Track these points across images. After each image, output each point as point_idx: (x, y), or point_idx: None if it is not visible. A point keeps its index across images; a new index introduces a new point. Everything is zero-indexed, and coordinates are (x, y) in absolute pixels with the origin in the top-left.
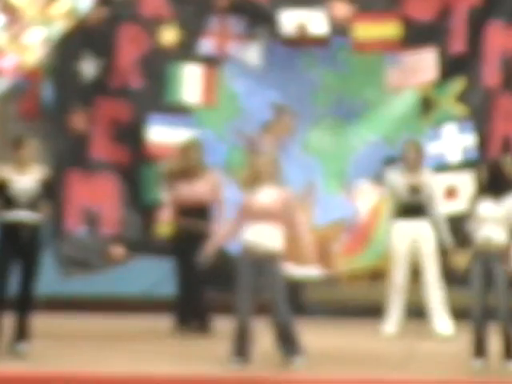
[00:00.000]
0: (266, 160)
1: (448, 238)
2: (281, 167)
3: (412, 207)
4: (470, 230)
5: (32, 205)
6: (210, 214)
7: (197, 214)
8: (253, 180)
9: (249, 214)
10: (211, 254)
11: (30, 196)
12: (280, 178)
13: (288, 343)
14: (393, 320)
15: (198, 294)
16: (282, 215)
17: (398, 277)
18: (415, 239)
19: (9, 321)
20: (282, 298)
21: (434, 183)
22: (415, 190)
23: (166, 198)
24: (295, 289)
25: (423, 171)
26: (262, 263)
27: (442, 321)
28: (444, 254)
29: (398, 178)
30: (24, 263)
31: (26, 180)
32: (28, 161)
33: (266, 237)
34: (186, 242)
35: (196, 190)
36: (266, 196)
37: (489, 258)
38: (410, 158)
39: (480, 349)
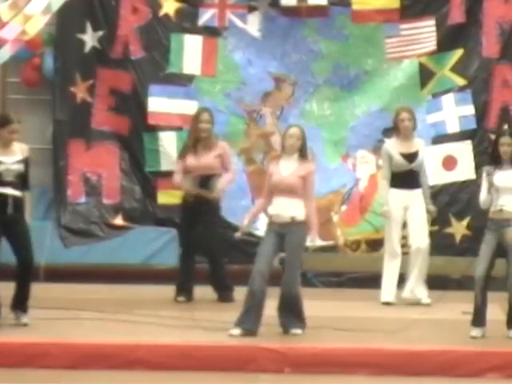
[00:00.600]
0: (292, 132)
1: (430, 206)
2: (278, 135)
3: (406, 176)
4: (484, 199)
5: (16, 183)
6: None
7: (205, 183)
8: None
9: (272, 187)
10: (248, 224)
11: (14, 175)
12: (306, 150)
13: (291, 313)
14: (391, 289)
15: (220, 264)
16: (303, 188)
17: (393, 244)
18: (407, 207)
19: (2, 289)
20: (296, 265)
21: (425, 151)
22: (409, 158)
23: (177, 167)
24: None
25: (415, 139)
26: (285, 231)
27: (422, 289)
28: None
29: (392, 147)
30: (13, 235)
31: (10, 160)
32: (12, 140)
33: (288, 208)
34: (195, 211)
35: (203, 161)
36: (288, 169)
37: (501, 227)
38: (403, 126)
39: (480, 317)
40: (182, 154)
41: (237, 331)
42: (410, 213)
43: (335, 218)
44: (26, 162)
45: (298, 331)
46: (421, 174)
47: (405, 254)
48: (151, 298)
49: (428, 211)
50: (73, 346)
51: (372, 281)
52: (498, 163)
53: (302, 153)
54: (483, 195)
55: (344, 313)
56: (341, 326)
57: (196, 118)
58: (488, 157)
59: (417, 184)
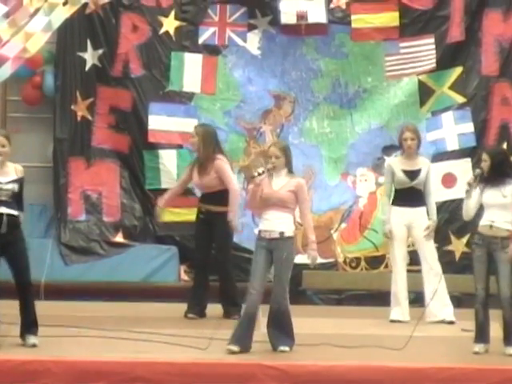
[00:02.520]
0: (270, 153)
1: (433, 215)
2: (291, 155)
3: (408, 193)
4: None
5: (10, 203)
6: (225, 198)
7: (211, 198)
8: (253, 166)
9: (263, 201)
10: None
11: (8, 195)
12: (291, 165)
13: (280, 330)
14: (401, 308)
15: (230, 277)
16: (293, 203)
17: (398, 263)
18: (410, 225)
19: (3, 307)
20: (285, 281)
21: (431, 169)
22: (412, 175)
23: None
24: (295, 276)
25: (420, 157)
26: (273, 247)
27: (440, 307)
28: (440, 241)
29: (395, 164)
30: (10, 256)
31: (4, 180)
32: (7, 159)
33: (277, 222)
34: (209, 225)
35: (204, 180)
36: (279, 184)
37: (491, 243)
38: (406, 145)
39: (482, 334)
40: (189, 167)
41: (235, 348)
42: (414, 232)
43: (335, 235)
44: (20, 182)
45: (286, 348)
46: (425, 192)
47: (410, 271)
48: (151, 316)
49: (427, 226)
50: (73, 364)
51: (372, 298)
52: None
53: (289, 169)
54: (465, 202)
55: (344, 330)
56: (341, 343)
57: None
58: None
59: (419, 202)
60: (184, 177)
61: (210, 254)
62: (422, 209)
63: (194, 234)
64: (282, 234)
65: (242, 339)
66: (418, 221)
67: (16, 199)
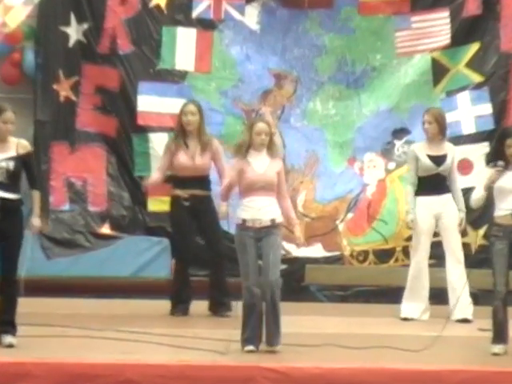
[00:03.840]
0: (259, 129)
1: (462, 205)
2: (281, 136)
3: (434, 180)
4: (478, 196)
5: (5, 184)
6: (209, 183)
7: (197, 184)
8: (246, 147)
9: (247, 186)
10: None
11: (2, 174)
12: (276, 146)
13: (275, 324)
14: (413, 305)
15: (223, 270)
16: (276, 185)
17: (420, 257)
18: (438, 215)
19: None
20: (278, 267)
21: (456, 154)
22: (437, 161)
23: (160, 164)
24: (298, 271)
25: (445, 143)
26: (262, 235)
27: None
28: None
29: (420, 149)
30: (4, 245)
31: (3, 156)
32: (7, 130)
33: (266, 209)
34: (191, 215)
35: (198, 162)
36: (262, 166)
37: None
38: (424, 128)
39: (501, 333)
40: (170, 150)
41: (252, 347)
42: (442, 222)
43: (341, 226)
44: (21, 159)
45: (279, 348)
46: (450, 180)
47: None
48: (142, 314)
49: (460, 218)
50: (56, 366)
51: (380, 295)
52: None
53: (271, 148)
54: (479, 192)
55: (350, 329)
56: (347, 343)
57: (180, 111)
58: (486, 157)
59: (445, 189)
60: (165, 162)
61: (193, 246)
62: (449, 196)
63: (174, 224)
64: (273, 221)
65: (255, 340)
66: (447, 209)
67: (14, 180)
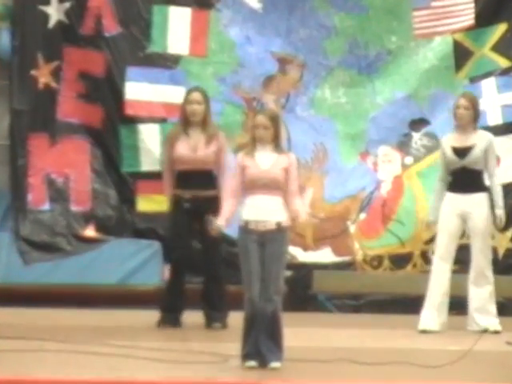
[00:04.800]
0: (258, 122)
1: (498, 209)
2: (285, 128)
3: (460, 175)
4: None
5: None
6: (214, 180)
7: (200, 181)
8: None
9: (249, 183)
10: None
11: None
12: (283, 140)
13: (273, 339)
14: (432, 315)
15: (220, 280)
16: (285, 184)
17: (441, 260)
18: (465, 216)
19: None
20: (281, 278)
21: (493, 144)
22: (461, 153)
23: (164, 166)
24: (304, 278)
25: (478, 132)
26: (266, 239)
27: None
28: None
29: (446, 141)
30: None
31: None
32: None
33: (270, 210)
34: (191, 217)
35: (200, 153)
36: (267, 162)
37: None
38: (457, 113)
39: None
40: (170, 141)
41: (253, 363)
42: (470, 224)
43: (352, 228)
44: None
45: (278, 364)
46: (487, 173)
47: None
48: (129, 326)
49: (498, 216)
50: None
51: (396, 304)
52: None
53: (277, 143)
54: None
55: (363, 343)
56: (359, 358)
57: (184, 99)
58: None
59: (475, 187)
60: (169, 154)
61: (191, 252)
62: (480, 195)
63: (172, 227)
64: (278, 224)
65: (257, 353)
66: (474, 211)
67: None
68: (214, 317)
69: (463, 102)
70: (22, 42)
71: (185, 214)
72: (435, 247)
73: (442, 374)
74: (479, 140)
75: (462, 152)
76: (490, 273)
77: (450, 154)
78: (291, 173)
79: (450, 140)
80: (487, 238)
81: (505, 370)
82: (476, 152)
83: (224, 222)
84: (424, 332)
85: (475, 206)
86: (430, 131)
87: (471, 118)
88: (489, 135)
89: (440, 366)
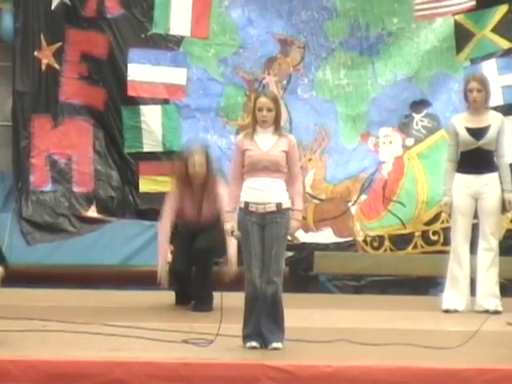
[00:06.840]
0: (260, 105)
1: (508, 193)
2: (286, 109)
3: (474, 156)
4: None
5: None
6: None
7: (200, 232)
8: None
9: (250, 166)
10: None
11: None
12: (280, 121)
13: (273, 322)
14: (453, 295)
15: (209, 263)
16: (286, 166)
17: (457, 242)
18: (478, 195)
19: None
20: (282, 260)
21: (505, 124)
22: (477, 134)
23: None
24: (306, 259)
25: (490, 113)
26: (267, 221)
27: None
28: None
29: (459, 122)
30: None
31: None
32: None
33: (271, 192)
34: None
35: (205, 212)
36: (268, 144)
37: None
38: (471, 97)
39: None
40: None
41: (255, 343)
42: (479, 204)
43: (353, 209)
44: None
45: (280, 345)
46: (497, 154)
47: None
48: (132, 306)
49: (507, 199)
50: (37, 364)
51: (398, 285)
52: None
53: (277, 125)
54: None
55: (364, 324)
56: (361, 339)
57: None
58: None
59: (488, 168)
60: (172, 204)
61: (191, 265)
62: (493, 175)
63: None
64: (279, 205)
65: (259, 334)
66: (488, 190)
67: None
68: (202, 303)
69: (475, 84)
70: (25, 23)
71: (184, 234)
72: (455, 228)
73: (443, 355)
74: (493, 120)
75: (477, 132)
76: (496, 255)
77: (465, 134)
78: (292, 155)
79: (462, 121)
80: (498, 218)
81: (506, 351)
82: (492, 132)
83: (234, 213)
84: (447, 312)
85: (488, 186)
86: (431, 112)
87: (484, 98)
88: (500, 115)
89: (441, 348)
